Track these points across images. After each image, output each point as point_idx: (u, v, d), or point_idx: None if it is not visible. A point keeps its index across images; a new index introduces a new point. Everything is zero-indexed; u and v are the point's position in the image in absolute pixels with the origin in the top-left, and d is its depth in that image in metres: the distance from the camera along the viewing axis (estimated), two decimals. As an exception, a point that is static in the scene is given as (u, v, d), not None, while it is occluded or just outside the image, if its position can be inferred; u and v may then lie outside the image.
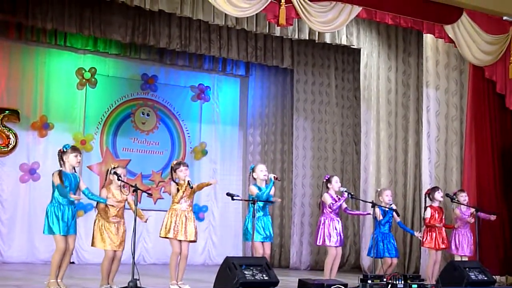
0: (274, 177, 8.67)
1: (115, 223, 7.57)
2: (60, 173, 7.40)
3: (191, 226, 7.90)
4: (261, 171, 8.69)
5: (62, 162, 7.50)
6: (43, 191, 11.92)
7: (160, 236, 7.95)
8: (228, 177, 14.15)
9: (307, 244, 13.67)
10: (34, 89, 12.46)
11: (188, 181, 7.88)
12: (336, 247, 9.14)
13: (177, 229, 7.82)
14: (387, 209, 9.52)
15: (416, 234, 9.87)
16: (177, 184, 7.95)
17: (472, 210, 9.95)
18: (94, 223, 7.65)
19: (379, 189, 10.28)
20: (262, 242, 8.48)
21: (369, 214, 9.76)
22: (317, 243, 9.23)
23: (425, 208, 9.87)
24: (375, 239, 9.31)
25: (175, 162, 8.15)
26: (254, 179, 8.76)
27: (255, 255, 8.30)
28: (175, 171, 7.98)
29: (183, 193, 7.88)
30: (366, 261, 12.23)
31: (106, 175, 7.81)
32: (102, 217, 7.58)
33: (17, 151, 12.19)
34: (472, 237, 9.89)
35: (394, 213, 9.51)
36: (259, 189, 8.58)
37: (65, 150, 7.50)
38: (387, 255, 9.46)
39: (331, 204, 9.13)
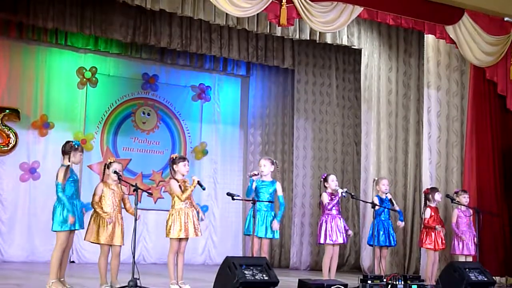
0: (250, 175, 8.74)
1: (113, 217, 7.55)
2: (67, 169, 7.36)
3: (197, 222, 7.91)
4: (263, 165, 8.78)
5: (67, 157, 7.43)
6: (43, 190, 11.98)
7: (171, 238, 7.87)
8: (229, 177, 14.15)
9: (307, 244, 13.67)
10: (35, 88, 12.46)
11: (198, 181, 7.86)
12: (336, 244, 9.18)
13: (187, 228, 7.79)
14: (384, 197, 9.63)
15: (399, 223, 9.86)
16: (177, 181, 7.91)
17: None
18: (91, 217, 7.64)
19: (376, 178, 10.30)
20: (261, 237, 8.50)
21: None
22: (320, 242, 9.25)
23: (425, 208, 9.85)
24: (374, 228, 9.35)
25: (176, 155, 8.11)
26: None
27: (254, 250, 8.33)
28: (176, 164, 7.94)
29: (191, 191, 7.86)
30: (366, 261, 12.23)
31: (104, 171, 7.80)
32: (99, 211, 7.57)
33: (17, 150, 12.19)
34: (474, 237, 9.88)
35: (389, 202, 9.63)
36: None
37: (76, 146, 7.44)
38: (382, 244, 9.52)
39: (327, 204, 9.18)
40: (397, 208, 9.79)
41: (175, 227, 7.77)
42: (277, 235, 8.70)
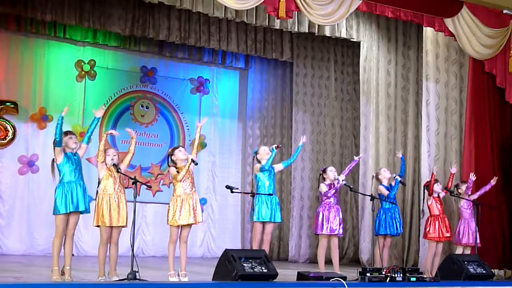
0: (275, 146, 8.76)
1: (116, 196, 7.52)
2: (60, 150, 7.43)
3: (198, 208, 7.80)
4: (264, 150, 8.81)
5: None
6: (42, 183, 11.98)
7: (169, 224, 7.75)
8: (227, 170, 14.15)
9: (306, 237, 13.68)
10: (33, 81, 12.45)
11: (192, 158, 7.83)
12: (333, 235, 9.21)
13: (185, 214, 7.69)
14: (388, 184, 9.66)
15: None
16: (176, 168, 7.89)
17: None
18: (96, 202, 7.59)
19: (374, 174, 10.35)
20: (264, 222, 8.54)
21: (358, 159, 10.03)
22: (316, 233, 9.31)
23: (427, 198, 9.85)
24: (379, 217, 9.40)
25: (171, 148, 8.15)
26: (258, 161, 8.83)
27: (255, 235, 8.35)
28: (173, 154, 7.94)
29: (186, 172, 7.78)
30: (365, 254, 12.24)
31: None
32: (103, 191, 7.54)
33: (15, 143, 12.19)
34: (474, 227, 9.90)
35: (400, 183, 9.75)
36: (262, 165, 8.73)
37: (57, 140, 7.56)
38: (388, 232, 9.56)
39: (327, 192, 9.19)
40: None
41: (172, 214, 7.70)
42: (278, 219, 8.73)
